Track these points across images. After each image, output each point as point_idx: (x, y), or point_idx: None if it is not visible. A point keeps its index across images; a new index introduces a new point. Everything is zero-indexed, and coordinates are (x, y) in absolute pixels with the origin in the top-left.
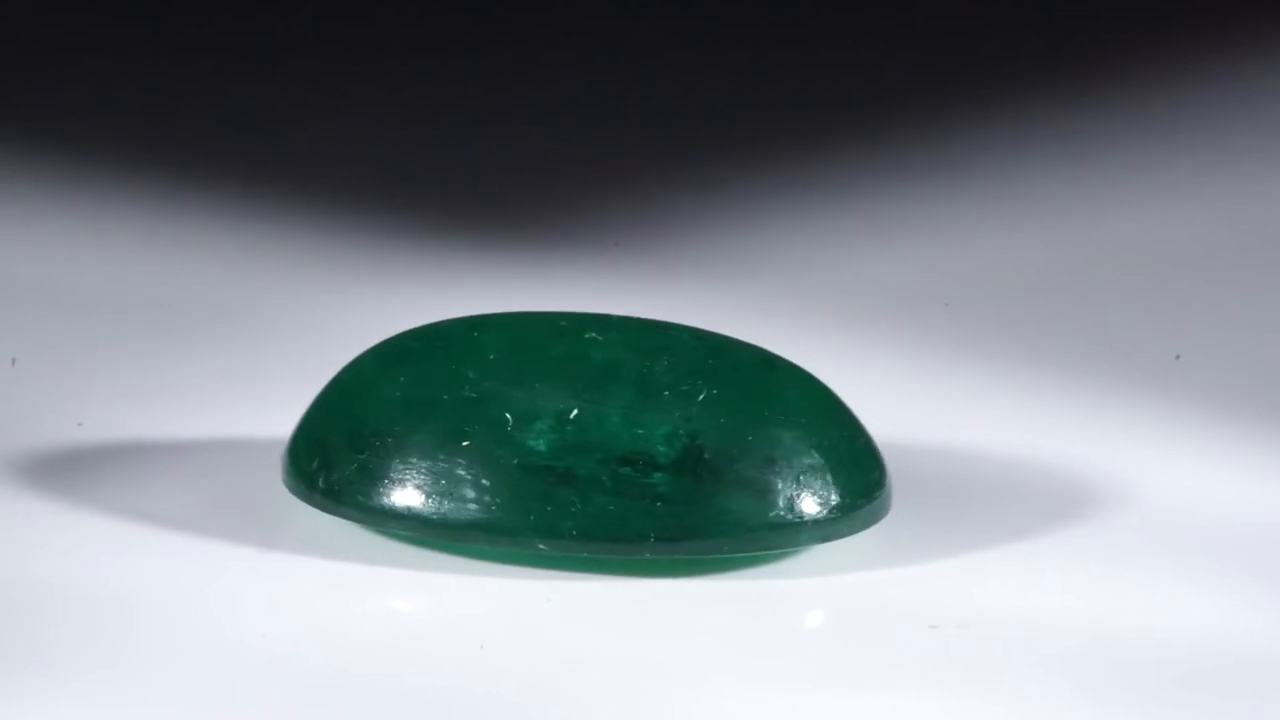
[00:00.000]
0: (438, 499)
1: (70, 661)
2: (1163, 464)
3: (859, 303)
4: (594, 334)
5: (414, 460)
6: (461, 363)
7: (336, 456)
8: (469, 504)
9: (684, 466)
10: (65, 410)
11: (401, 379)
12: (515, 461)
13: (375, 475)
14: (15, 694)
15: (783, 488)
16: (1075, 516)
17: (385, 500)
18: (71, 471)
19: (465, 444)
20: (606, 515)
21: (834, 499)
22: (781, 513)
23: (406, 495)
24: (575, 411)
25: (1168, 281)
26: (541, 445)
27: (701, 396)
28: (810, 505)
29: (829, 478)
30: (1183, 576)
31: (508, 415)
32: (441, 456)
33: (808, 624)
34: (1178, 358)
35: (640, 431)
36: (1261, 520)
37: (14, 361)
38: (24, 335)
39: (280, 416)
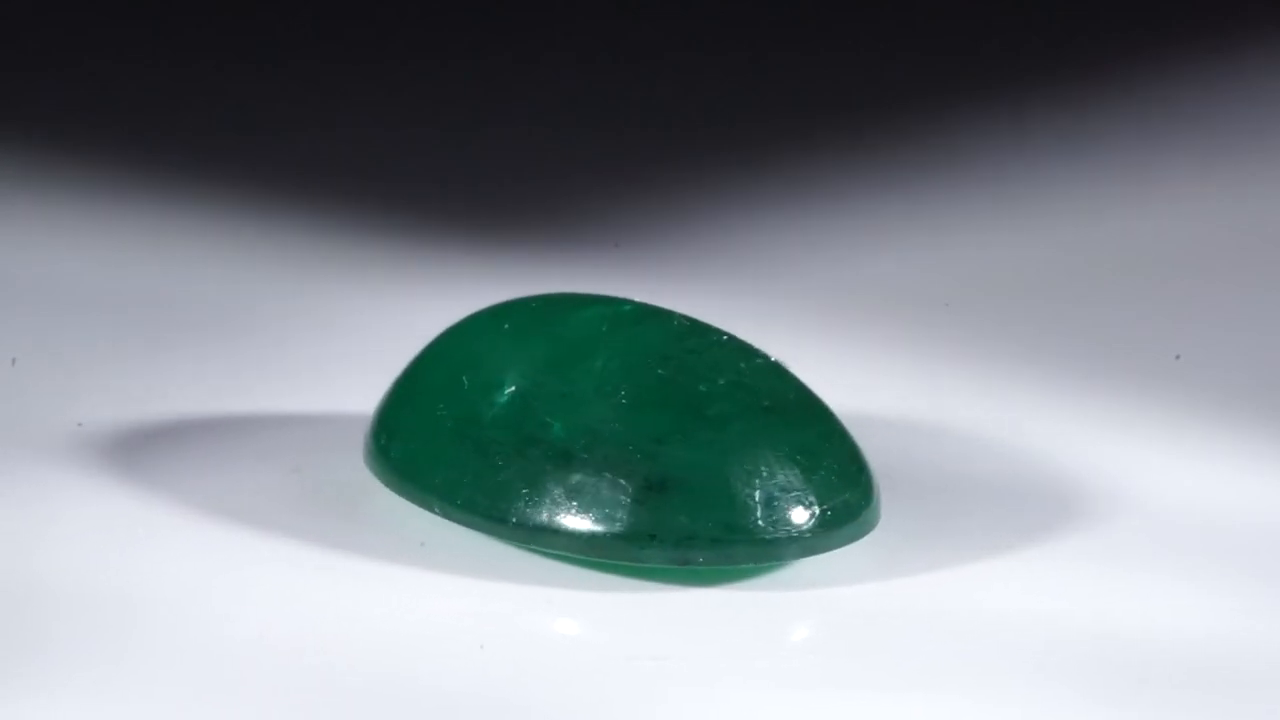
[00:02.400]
0: (396, 443)
1: (75, 660)
2: (1163, 464)
3: (859, 303)
4: (605, 327)
5: (399, 409)
6: (486, 326)
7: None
8: (403, 454)
9: (565, 460)
10: (65, 410)
11: (453, 333)
12: (451, 425)
13: (381, 416)
14: (20, 690)
15: (625, 501)
16: (1075, 517)
17: (375, 441)
18: (72, 471)
19: (414, 400)
20: (486, 491)
21: (695, 522)
22: (620, 526)
23: (384, 439)
24: (512, 388)
25: (1168, 281)
26: (486, 414)
27: (619, 399)
28: (657, 524)
29: (698, 502)
30: (1183, 577)
31: (464, 379)
32: (415, 408)
33: (808, 630)
34: (1178, 358)
35: (546, 420)
36: (1261, 520)
37: (14, 361)
38: (24, 335)
39: (276, 415)
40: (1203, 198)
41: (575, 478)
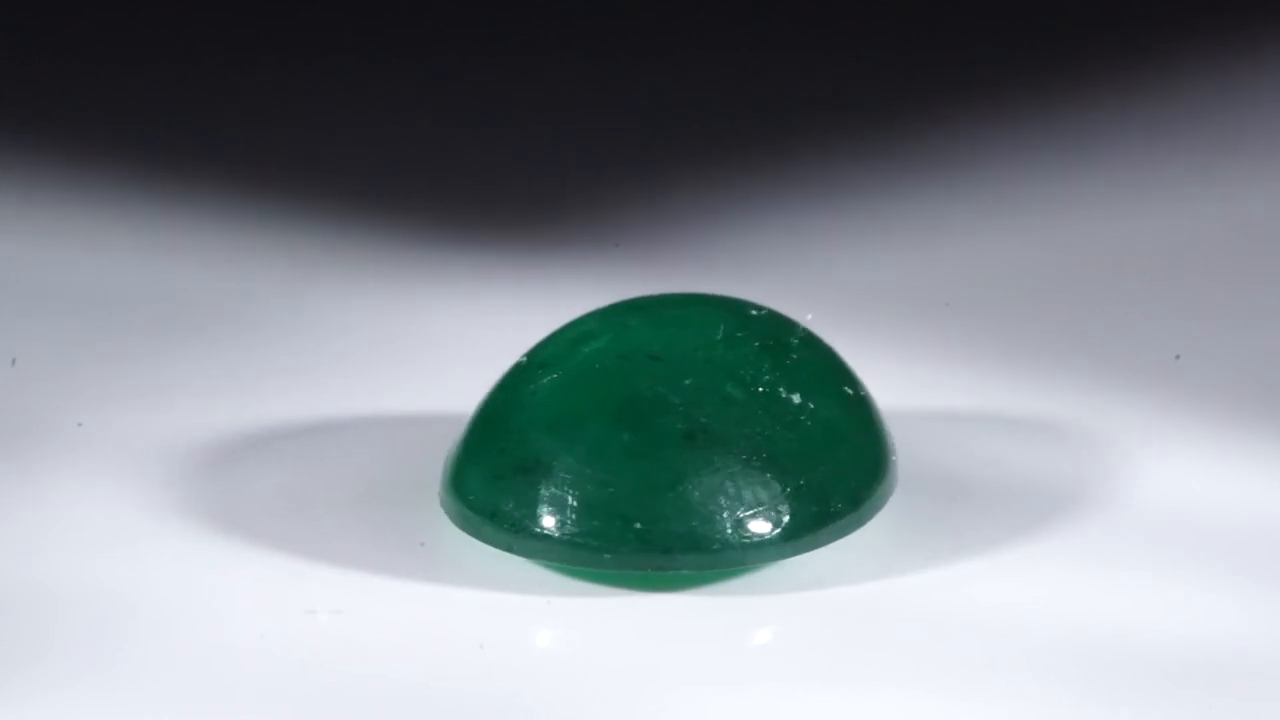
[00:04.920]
0: None
1: (73, 662)
2: (1162, 464)
3: (859, 302)
4: (638, 320)
5: None
6: (594, 311)
7: None
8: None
9: (491, 428)
10: (65, 410)
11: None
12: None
13: None
14: (20, 691)
15: (487, 477)
16: (1073, 517)
17: None
18: (72, 471)
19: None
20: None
21: (520, 509)
22: (477, 502)
23: None
24: (524, 359)
25: (1168, 281)
26: (500, 380)
27: (552, 379)
28: (497, 506)
29: (530, 493)
30: (1181, 578)
31: (524, 358)
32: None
33: (801, 629)
34: (1178, 358)
35: (514, 390)
36: (1260, 521)
37: (14, 362)
38: (24, 335)
39: (276, 415)
40: (1203, 198)
41: (475, 441)
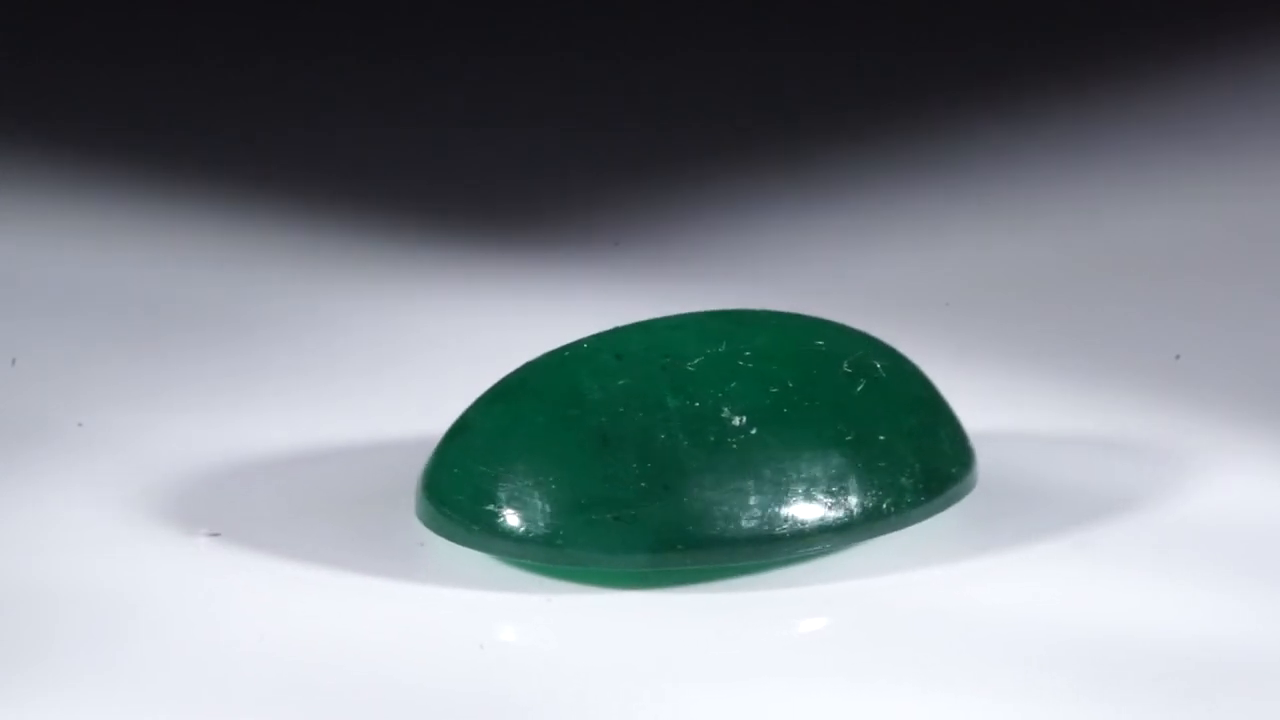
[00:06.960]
0: None
1: (72, 663)
2: (1165, 464)
3: (859, 303)
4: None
5: None
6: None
7: None
8: None
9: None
10: (65, 410)
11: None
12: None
13: None
14: (19, 692)
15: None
16: (1073, 517)
17: None
18: (72, 472)
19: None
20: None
21: (440, 480)
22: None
23: None
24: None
25: (1168, 281)
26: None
27: (542, 361)
28: (427, 474)
29: (457, 465)
30: (1181, 577)
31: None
32: None
33: (805, 627)
34: (1178, 358)
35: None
36: (1262, 521)
37: (14, 361)
38: (24, 335)
39: (276, 416)
40: (1203, 198)
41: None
